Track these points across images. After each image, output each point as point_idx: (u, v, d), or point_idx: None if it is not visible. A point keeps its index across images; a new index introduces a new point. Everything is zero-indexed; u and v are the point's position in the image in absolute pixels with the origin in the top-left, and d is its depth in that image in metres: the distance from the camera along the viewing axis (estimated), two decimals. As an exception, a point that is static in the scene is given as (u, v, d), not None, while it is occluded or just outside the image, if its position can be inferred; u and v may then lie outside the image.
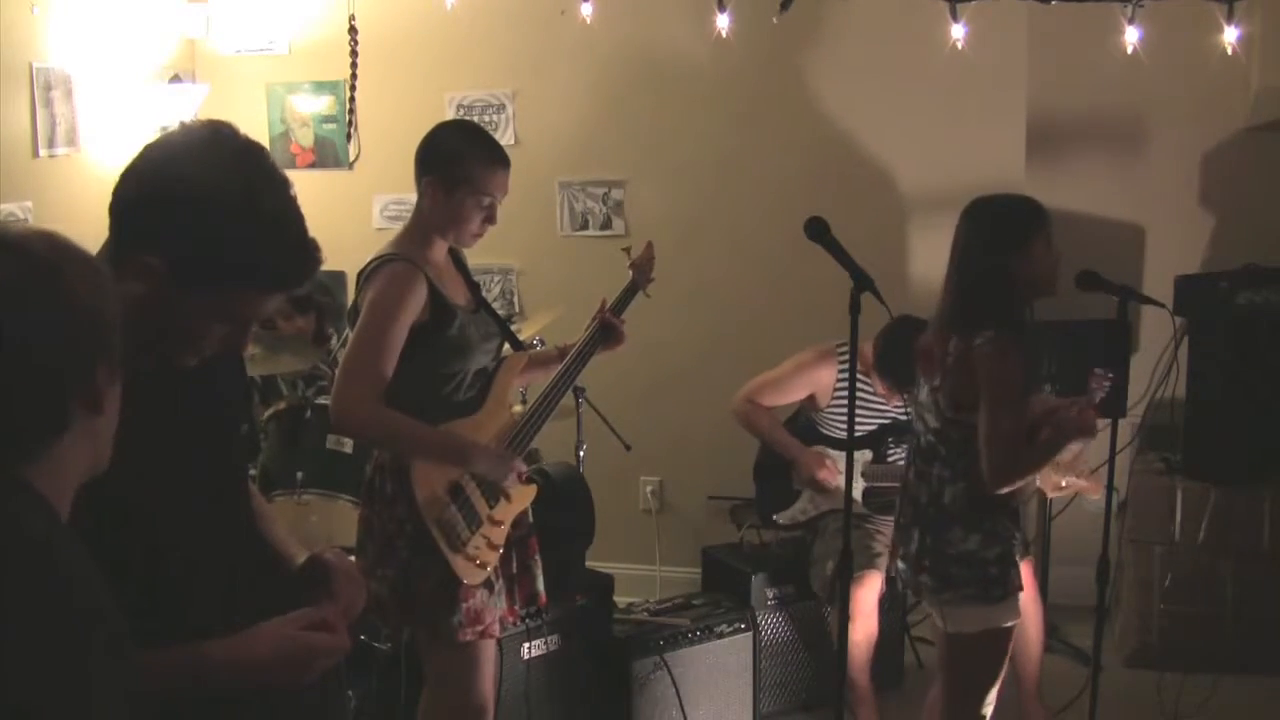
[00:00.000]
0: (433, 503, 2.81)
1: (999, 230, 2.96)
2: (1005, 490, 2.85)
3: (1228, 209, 4.96)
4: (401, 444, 2.83)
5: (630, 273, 3.36)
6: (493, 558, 2.91)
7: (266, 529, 1.91)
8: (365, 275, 2.84)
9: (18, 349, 1.24)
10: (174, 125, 4.71)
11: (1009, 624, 2.93)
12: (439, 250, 2.93)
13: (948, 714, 3.05)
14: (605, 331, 3.20)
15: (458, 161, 2.85)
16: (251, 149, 1.62)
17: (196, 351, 1.64)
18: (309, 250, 1.62)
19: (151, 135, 5.10)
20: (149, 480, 1.58)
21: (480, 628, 2.87)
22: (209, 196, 1.54)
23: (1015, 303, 2.92)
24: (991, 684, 2.97)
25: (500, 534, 2.95)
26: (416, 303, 2.78)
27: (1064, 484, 3.84)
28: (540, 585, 3.13)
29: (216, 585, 1.66)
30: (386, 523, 2.85)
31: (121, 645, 1.28)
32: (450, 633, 2.83)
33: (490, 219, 2.91)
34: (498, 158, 2.89)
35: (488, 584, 2.90)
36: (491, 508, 2.92)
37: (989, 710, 3.00)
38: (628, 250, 3.42)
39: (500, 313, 5.10)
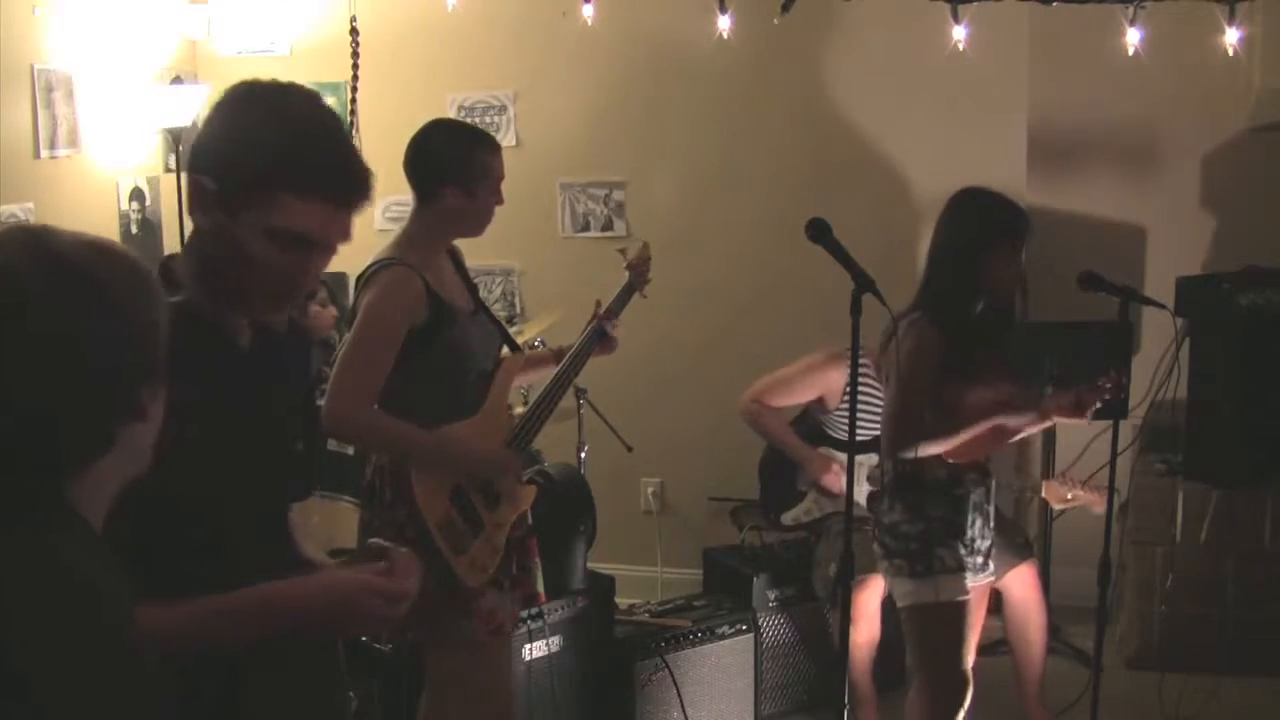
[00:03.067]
0: (434, 507, 2.80)
1: (986, 219, 3.05)
2: (899, 455, 2.98)
3: (1229, 210, 4.96)
4: (396, 448, 2.82)
5: (626, 273, 3.37)
6: (495, 560, 2.91)
7: (299, 545, 1.90)
8: (363, 280, 2.85)
9: (75, 366, 1.22)
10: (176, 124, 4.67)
11: (944, 599, 3.00)
12: (440, 253, 2.94)
13: (915, 683, 3.16)
14: (600, 334, 3.21)
15: (471, 162, 2.89)
16: (307, 90, 1.67)
17: (271, 294, 1.63)
18: (349, 158, 1.62)
19: (152, 136, 5.12)
20: (190, 476, 1.58)
21: (493, 626, 2.87)
22: (250, 106, 1.62)
23: (967, 293, 3.02)
24: (945, 656, 3.05)
25: (502, 536, 2.95)
26: (413, 307, 2.78)
27: (1069, 497, 3.83)
28: (539, 586, 3.15)
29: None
30: (386, 526, 2.84)
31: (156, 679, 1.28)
32: (469, 634, 2.83)
33: (500, 200, 2.97)
34: (495, 143, 2.98)
35: (498, 583, 2.89)
36: (492, 511, 2.92)
37: (949, 683, 3.06)
38: (623, 251, 3.43)
39: (501, 314, 5.13)
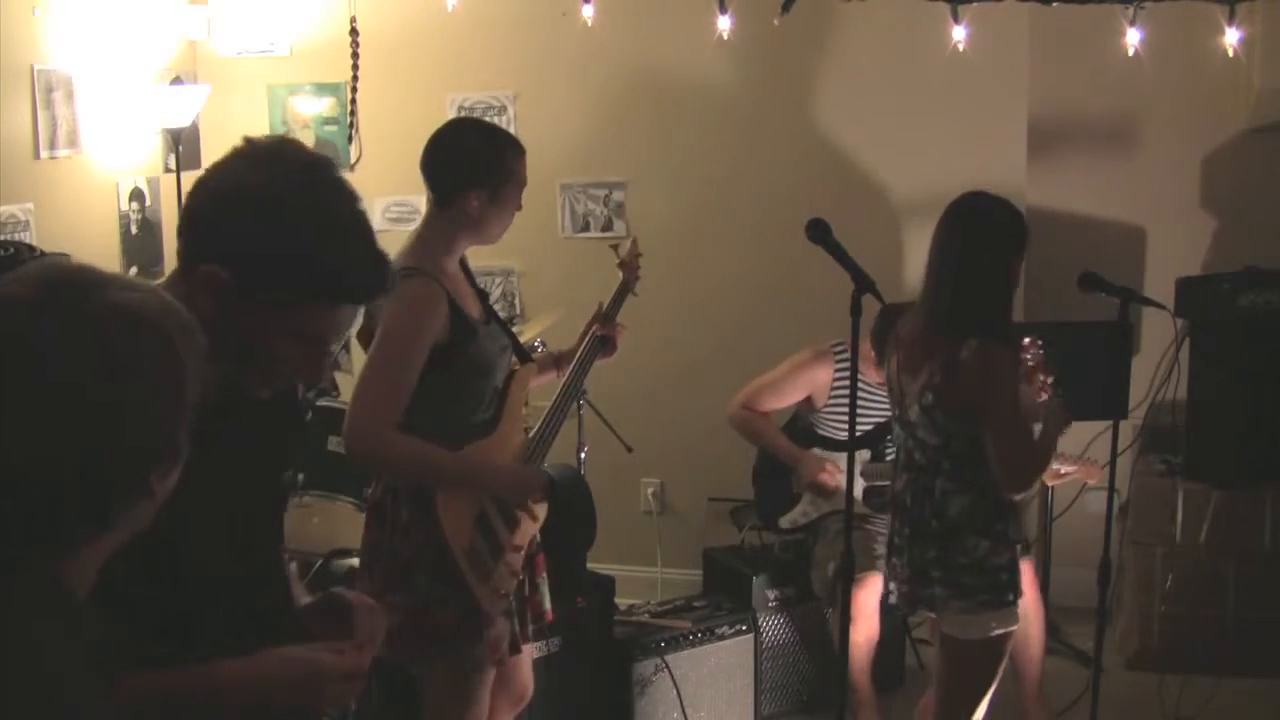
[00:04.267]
0: (460, 533, 2.70)
1: (1004, 231, 2.94)
2: (1024, 493, 2.85)
3: (1229, 211, 4.96)
4: (423, 472, 2.70)
5: (620, 273, 3.31)
6: (513, 585, 2.85)
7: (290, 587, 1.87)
8: None
9: (90, 443, 1.18)
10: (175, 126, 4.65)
11: (1013, 628, 2.95)
12: (456, 260, 2.85)
13: (946, 718, 3.05)
14: (603, 338, 3.17)
15: (498, 164, 2.79)
16: (319, 160, 1.60)
17: (271, 376, 1.60)
18: (379, 262, 1.58)
19: (152, 136, 5.12)
20: (186, 510, 1.56)
21: (497, 655, 2.82)
22: (275, 203, 1.52)
23: (1008, 305, 2.92)
24: (990, 688, 2.98)
25: (519, 559, 2.89)
26: (438, 322, 2.66)
27: (1063, 472, 3.82)
28: (547, 604, 3.08)
29: (233, 621, 1.63)
30: (401, 549, 2.73)
31: None
32: (475, 663, 2.78)
33: (519, 206, 2.88)
34: (521, 147, 2.87)
35: (507, 610, 2.84)
36: (511, 533, 2.86)
37: (980, 714, 3.01)
38: (615, 248, 3.35)
39: (501, 315, 5.11)
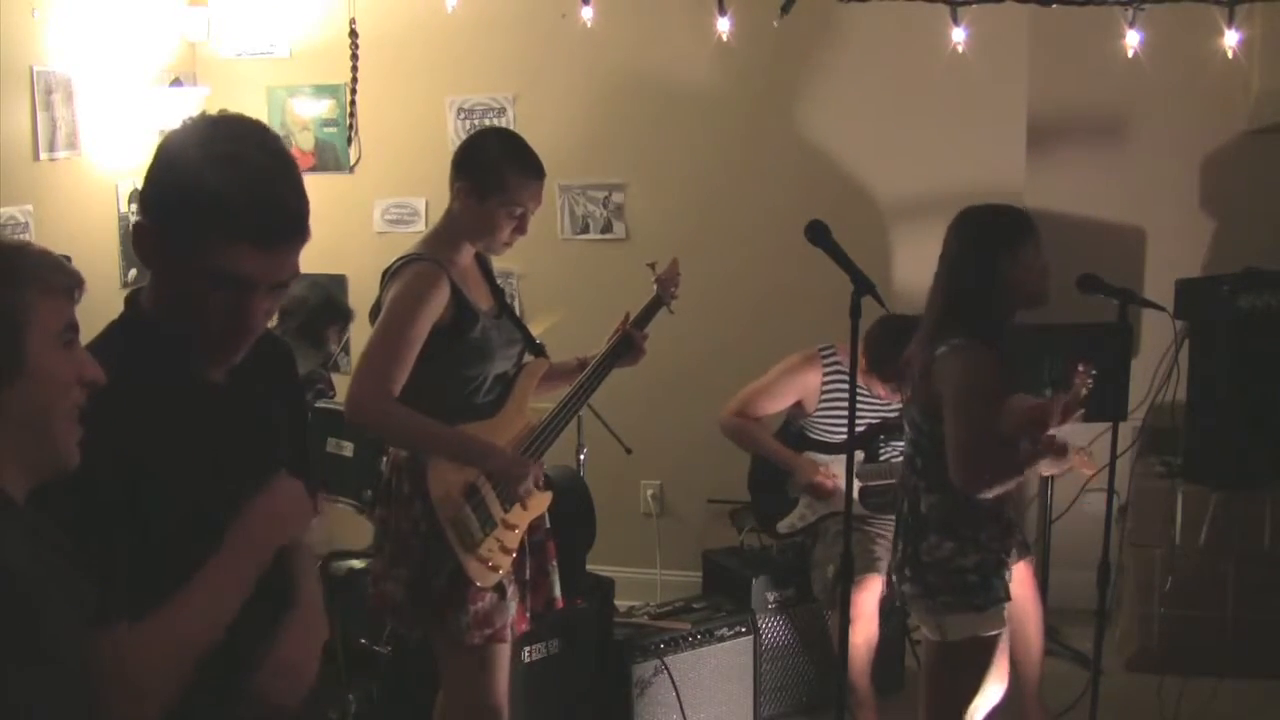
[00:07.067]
0: (447, 501, 2.81)
1: (985, 233, 2.95)
2: (980, 495, 2.83)
3: (1228, 212, 4.96)
4: (416, 440, 2.84)
5: (655, 287, 3.37)
6: (505, 561, 2.90)
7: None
8: (390, 273, 2.87)
9: None
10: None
11: (992, 633, 2.91)
12: (466, 254, 2.96)
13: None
14: (626, 345, 3.21)
15: (493, 170, 2.89)
16: (234, 118, 1.66)
17: (213, 335, 1.62)
18: (281, 201, 1.59)
19: (151, 138, 5.12)
20: (186, 493, 1.60)
21: (489, 631, 2.86)
22: (180, 150, 1.60)
23: (995, 309, 2.91)
24: (973, 694, 2.96)
25: (514, 538, 2.94)
26: (438, 302, 2.80)
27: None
28: (557, 590, 3.14)
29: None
30: (402, 521, 2.86)
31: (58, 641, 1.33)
32: (459, 633, 2.83)
33: (520, 229, 2.96)
34: (532, 170, 2.95)
35: (499, 588, 2.89)
36: (506, 510, 2.92)
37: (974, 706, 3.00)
38: (653, 265, 3.42)
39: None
